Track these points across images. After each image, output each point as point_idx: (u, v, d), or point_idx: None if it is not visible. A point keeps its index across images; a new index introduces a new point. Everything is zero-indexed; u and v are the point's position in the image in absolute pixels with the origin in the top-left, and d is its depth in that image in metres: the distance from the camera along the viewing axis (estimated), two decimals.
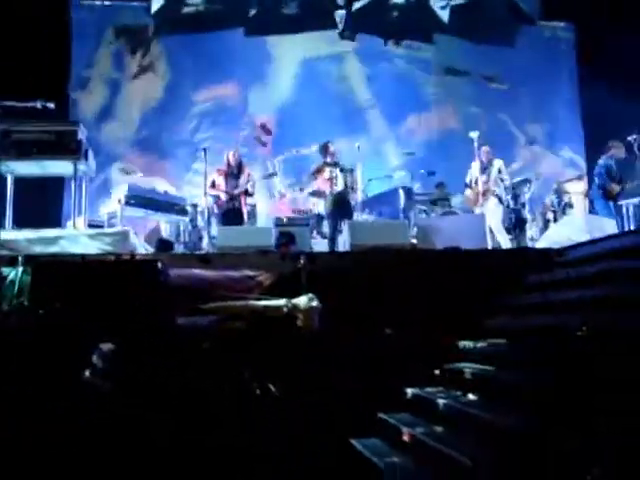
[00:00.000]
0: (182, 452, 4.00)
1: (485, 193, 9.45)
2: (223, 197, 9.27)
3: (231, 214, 9.23)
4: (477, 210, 9.45)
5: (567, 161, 13.30)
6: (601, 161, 9.54)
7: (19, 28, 10.57)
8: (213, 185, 9.38)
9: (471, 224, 7.87)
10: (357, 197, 9.56)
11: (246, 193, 9.51)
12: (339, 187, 9.33)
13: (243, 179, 9.46)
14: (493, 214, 9.28)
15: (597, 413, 3.46)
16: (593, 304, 4.77)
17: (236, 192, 9.33)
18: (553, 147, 13.37)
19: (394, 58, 13.32)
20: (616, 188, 9.19)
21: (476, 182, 9.61)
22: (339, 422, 5.29)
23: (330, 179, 9.40)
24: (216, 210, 9.35)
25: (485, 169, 9.69)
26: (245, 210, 9.46)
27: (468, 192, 9.87)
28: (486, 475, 3.58)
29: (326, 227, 9.44)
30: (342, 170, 9.46)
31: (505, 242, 9.20)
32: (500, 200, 9.68)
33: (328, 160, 9.61)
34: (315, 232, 9.45)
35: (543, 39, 13.46)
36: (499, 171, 9.73)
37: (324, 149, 9.78)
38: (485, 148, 9.73)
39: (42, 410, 3.17)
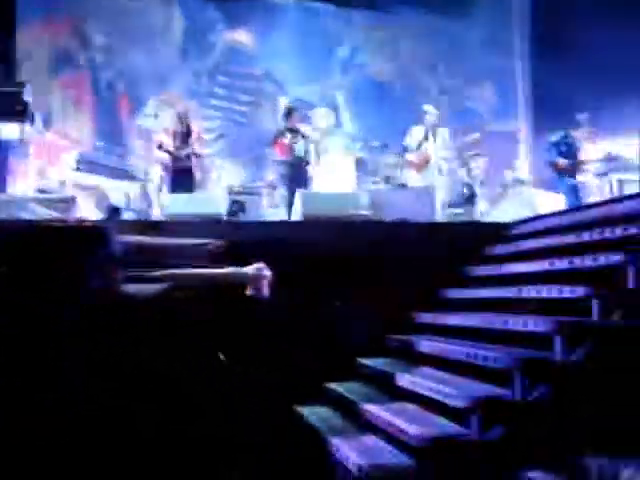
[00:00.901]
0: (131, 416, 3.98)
1: (428, 160, 9.40)
2: (167, 158, 8.85)
3: (181, 176, 8.81)
4: (419, 176, 9.44)
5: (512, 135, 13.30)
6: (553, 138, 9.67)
7: None
8: (160, 147, 8.99)
9: (421, 196, 7.92)
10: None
11: (196, 155, 9.05)
12: (298, 154, 9.17)
13: (193, 138, 9.03)
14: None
15: None
16: (538, 278, 4.88)
17: (184, 153, 8.89)
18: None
19: None
20: (563, 162, 9.35)
21: (419, 146, 9.44)
22: (287, 391, 5.32)
23: (290, 145, 9.28)
24: (163, 173, 8.99)
25: (428, 135, 9.49)
26: (196, 171, 9.04)
27: (411, 157, 9.58)
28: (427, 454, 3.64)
29: (278, 197, 9.38)
30: (304, 137, 9.31)
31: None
32: (440, 171, 9.62)
33: (290, 125, 9.38)
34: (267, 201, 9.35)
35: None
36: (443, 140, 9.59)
37: (288, 113, 9.55)
38: (430, 108, 9.58)
39: None
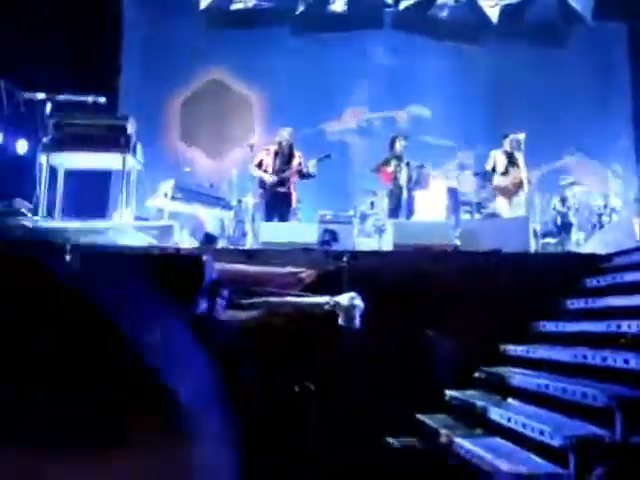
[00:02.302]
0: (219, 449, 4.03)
1: (521, 185, 9.24)
2: (269, 179, 8.90)
3: (278, 199, 8.90)
4: (509, 201, 9.29)
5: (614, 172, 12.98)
6: None
7: (72, 23, 10.74)
8: (260, 165, 9.02)
9: (515, 227, 7.78)
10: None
11: (301, 175, 9.04)
12: (402, 182, 9.21)
13: (295, 162, 9.02)
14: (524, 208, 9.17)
15: None
16: (636, 312, 4.71)
17: (285, 175, 8.94)
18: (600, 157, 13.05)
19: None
20: None
21: (506, 171, 9.28)
22: (377, 422, 5.30)
23: (394, 173, 9.31)
24: (259, 192, 9.03)
25: (512, 160, 9.33)
26: (294, 195, 9.08)
27: (500, 180, 9.38)
28: None
29: (370, 226, 9.43)
30: (408, 165, 9.33)
31: None
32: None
33: (395, 153, 9.44)
34: (358, 230, 9.41)
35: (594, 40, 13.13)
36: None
37: (393, 141, 9.61)
38: (511, 135, 9.43)
39: None
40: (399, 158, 9.36)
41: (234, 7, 12.27)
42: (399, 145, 9.42)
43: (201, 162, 12.66)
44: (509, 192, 9.27)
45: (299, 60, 12.51)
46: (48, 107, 7.53)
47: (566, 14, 12.70)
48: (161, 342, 3.09)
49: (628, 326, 4.58)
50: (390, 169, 9.32)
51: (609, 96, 12.87)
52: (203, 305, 3.57)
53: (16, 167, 9.25)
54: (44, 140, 7.37)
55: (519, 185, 9.23)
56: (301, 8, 12.45)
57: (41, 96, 7.58)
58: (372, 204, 9.97)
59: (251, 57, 12.38)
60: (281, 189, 8.92)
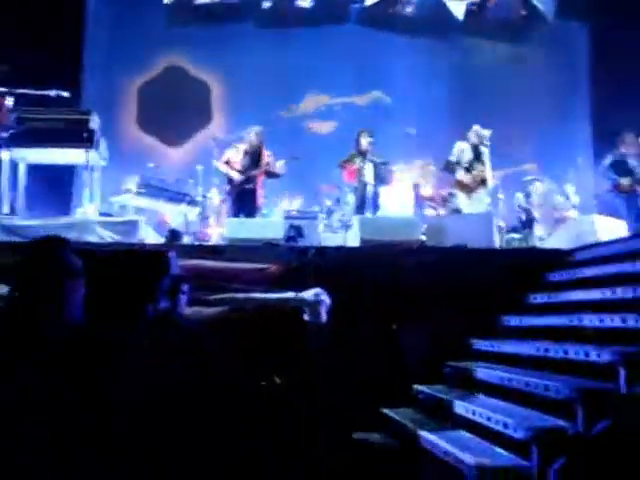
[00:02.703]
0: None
1: (483, 182, 9.20)
2: (236, 177, 8.98)
3: (244, 196, 8.95)
4: (468, 197, 9.34)
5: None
6: (607, 160, 9.43)
7: (35, 16, 10.58)
8: (228, 162, 9.08)
9: (479, 222, 7.86)
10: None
11: (268, 174, 9.10)
12: (367, 179, 9.20)
13: (263, 161, 9.08)
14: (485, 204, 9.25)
15: None
16: (601, 307, 4.79)
17: (253, 173, 9.00)
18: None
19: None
20: (626, 181, 9.08)
21: (471, 166, 9.26)
22: (343, 417, 5.31)
23: (358, 170, 9.31)
24: (226, 189, 9.08)
25: (477, 155, 9.30)
26: (260, 193, 9.12)
27: (463, 175, 9.32)
28: None
29: (336, 221, 9.44)
30: (373, 162, 9.31)
31: None
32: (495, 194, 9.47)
33: (360, 149, 9.41)
34: (324, 225, 9.41)
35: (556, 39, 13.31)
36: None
37: (357, 138, 9.55)
38: (476, 127, 9.40)
39: None
40: (364, 154, 9.35)
41: (199, 1, 12.18)
42: (364, 141, 9.38)
43: (163, 152, 12.59)
44: (469, 188, 9.27)
45: (262, 52, 12.50)
46: (10, 101, 7.41)
47: (529, 13, 12.87)
48: (125, 339, 3.05)
49: (589, 320, 4.66)
50: (355, 166, 9.31)
51: (569, 95, 13.09)
52: (165, 302, 3.53)
53: None
54: (4, 134, 7.25)
55: (481, 182, 9.24)
56: (267, 4, 12.40)
57: (2, 90, 7.45)
58: (338, 200, 9.97)
59: (214, 49, 12.41)
60: (248, 186, 8.93)
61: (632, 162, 9.08)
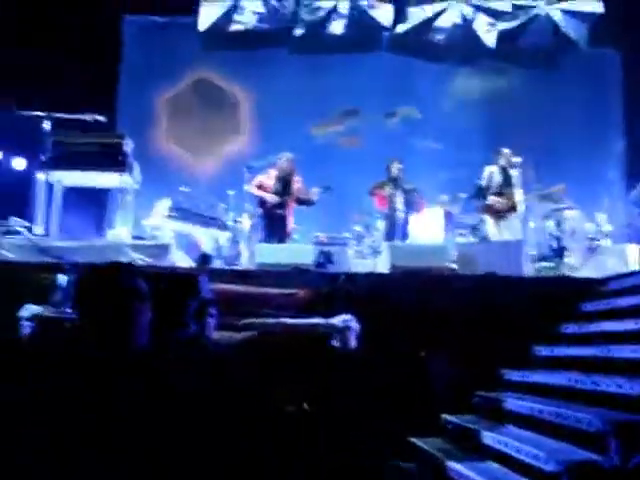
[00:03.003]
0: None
1: (514, 207, 9.20)
2: (271, 199, 9.02)
3: (275, 221, 9.01)
4: (497, 223, 9.32)
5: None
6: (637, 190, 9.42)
7: (73, 42, 10.81)
8: (260, 187, 9.13)
9: (510, 250, 7.80)
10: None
11: (299, 201, 9.18)
12: (398, 205, 9.25)
13: (295, 187, 9.16)
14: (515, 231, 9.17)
15: None
16: (634, 337, 4.72)
17: (286, 197, 9.05)
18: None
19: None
20: None
21: (501, 190, 9.28)
22: (372, 446, 5.27)
23: (389, 197, 9.34)
24: (258, 212, 9.12)
25: (507, 179, 9.30)
26: (291, 219, 9.19)
27: (495, 200, 9.31)
28: None
29: (366, 247, 9.43)
30: (403, 189, 9.37)
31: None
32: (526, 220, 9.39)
33: (391, 176, 9.51)
34: (354, 252, 9.40)
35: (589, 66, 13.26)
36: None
37: (388, 165, 9.67)
38: (506, 151, 9.41)
39: None
40: (395, 181, 9.40)
41: (233, 28, 12.33)
42: (395, 169, 9.46)
43: (195, 170, 12.72)
44: (500, 214, 9.25)
45: (295, 78, 12.64)
46: (47, 125, 7.58)
47: (560, 40, 12.82)
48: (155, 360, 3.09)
49: (621, 351, 4.59)
50: (385, 193, 9.37)
51: (602, 123, 12.98)
52: (193, 325, 3.57)
53: (13, 185, 9.28)
54: (42, 158, 7.40)
55: (512, 207, 9.21)
56: (300, 30, 12.52)
57: (40, 114, 7.62)
58: (367, 226, 9.98)
59: (247, 73, 12.69)
60: (279, 211, 8.98)
61: None
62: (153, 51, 12.55)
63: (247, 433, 4.50)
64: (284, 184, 9.12)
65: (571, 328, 5.83)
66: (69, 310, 4.28)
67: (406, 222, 9.35)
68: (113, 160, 7.39)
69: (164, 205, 8.50)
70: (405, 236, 9.25)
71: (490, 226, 9.37)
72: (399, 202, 9.21)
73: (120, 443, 2.19)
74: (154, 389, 2.29)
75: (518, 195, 9.19)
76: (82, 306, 2.35)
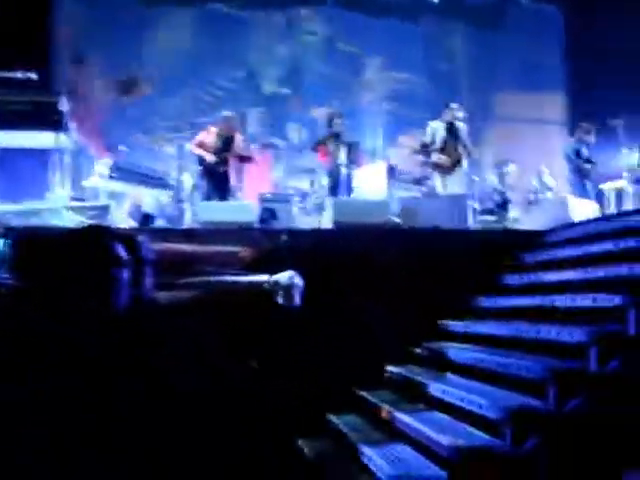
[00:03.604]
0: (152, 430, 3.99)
1: (459, 161, 9.18)
2: (209, 158, 8.87)
3: (217, 178, 8.90)
4: (444, 178, 9.35)
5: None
6: (569, 145, 9.72)
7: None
8: (200, 145, 9.01)
9: (454, 204, 7.86)
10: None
11: (240, 158, 9.09)
12: (340, 160, 9.14)
13: (236, 144, 9.06)
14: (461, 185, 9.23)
15: None
16: (572, 286, 4.82)
17: (226, 154, 8.92)
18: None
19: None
20: (587, 166, 9.40)
21: (445, 144, 9.21)
22: (318, 398, 5.32)
23: (332, 152, 9.26)
24: (198, 171, 9.00)
25: (453, 131, 9.26)
26: (233, 177, 9.06)
27: (439, 157, 9.22)
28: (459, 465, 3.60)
29: (310, 204, 9.38)
30: (346, 144, 9.25)
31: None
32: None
33: (332, 131, 9.37)
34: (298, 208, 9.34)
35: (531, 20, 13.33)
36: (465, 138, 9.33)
37: (331, 119, 9.53)
38: (454, 106, 9.38)
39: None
40: (337, 136, 9.32)
41: None
42: (337, 123, 9.37)
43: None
44: (445, 169, 9.27)
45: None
46: None
47: None
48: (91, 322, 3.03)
49: (562, 300, 4.69)
50: (327, 148, 9.29)
51: (544, 79, 13.13)
52: (135, 286, 3.49)
53: None
54: None
55: (457, 162, 9.23)
56: None
57: None
58: (312, 182, 9.92)
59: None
60: (220, 169, 8.87)
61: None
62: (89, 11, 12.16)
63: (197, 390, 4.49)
64: (225, 141, 8.99)
65: (513, 279, 5.93)
66: (4, 275, 4.16)
67: (349, 177, 9.28)
68: (48, 119, 7.13)
69: (105, 165, 8.29)
70: (350, 191, 9.20)
71: (437, 180, 9.39)
72: (342, 157, 9.13)
73: (118, 441, 2.16)
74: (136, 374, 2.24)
75: (463, 149, 9.19)
76: (28, 272, 2.26)
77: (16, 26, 10.40)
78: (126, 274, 2.29)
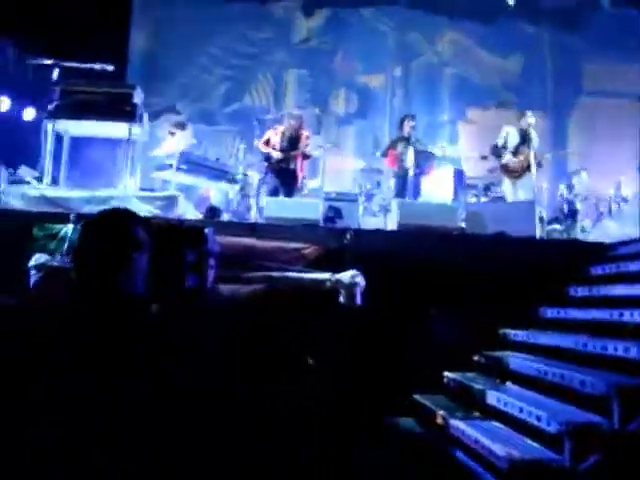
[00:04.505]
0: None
1: (529, 167, 9.01)
2: (276, 155, 8.94)
3: (283, 175, 8.95)
4: (513, 183, 9.24)
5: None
6: None
7: None
8: (267, 143, 9.09)
9: (521, 211, 7.72)
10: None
11: (304, 156, 9.11)
12: (408, 164, 9.13)
13: (302, 142, 9.07)
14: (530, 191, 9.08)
15: None
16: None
17: (292, 153, 8.97)
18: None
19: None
20: None
21: (517, 150, 9.14)
22: (375, 400, 5.29)
23: (400, 155, 9.26)
24: (265, 167, 9.06)
25: (525, 139, 9.15)
26: (300, 175, 9.11)
27: (509, 159, 9.19)
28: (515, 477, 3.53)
29: (375, 205, 9.37)
30: (415, 148, 9.24)
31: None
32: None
33: (403, 134, 9.43)
34: (363, 208, 9.33)
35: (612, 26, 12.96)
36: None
37: (400, 122, 9.63)
38: (528, 113, 9.28)
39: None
40: (407, 140, 9.31)
41: None
42: (407, 126, 9.36)
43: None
44: (515, 173, 9.16)
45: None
46: (55, 73, 7.49)
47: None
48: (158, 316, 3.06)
49: (630, 315, 4.55)
50: (397, 151, 9.29)
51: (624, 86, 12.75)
52: (193, 278, 3.52)
53: (23, 134, 9.22)
54: (50, 107, 7.32)
55: (527, 168, 9.10)
56: None
57: (49, 62, 7.54)
58: (378, 183, 9.90)
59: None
60: (287, 166, 8.93)
61: None
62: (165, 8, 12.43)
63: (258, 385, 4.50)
64: (291, 140, 9.05)
65: (580, 291, 5.79)
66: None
67: (417, 181, 9.25)
68: (122, 110, 7.31)
69: (174, 158, 8.41)
70: (417, 195, 9.16)
71: (506, 185, 9.29)
72: (410, 161, 9.10)
73: (127, 441, 2.18)
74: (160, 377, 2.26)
75: (533, 155, 9.04)
76: (76, 254, 2.31)
77: (95, 18, 10.65)
78: (145, 259, 2.31)
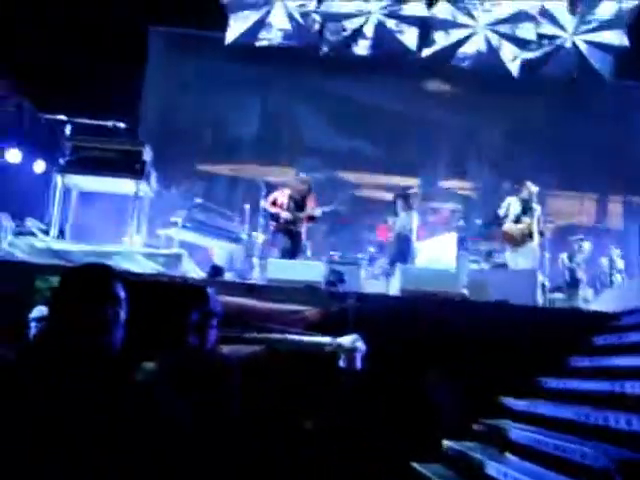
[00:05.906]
0: None
1: (531, 235, 9.14)
2: (285, 216, 9.07)
3: (288, 237, 9.07)
4: (514, 251, 9.30)
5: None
6: None
7: (97, 47, 10.91)
8: (274, 203, 9.23)
9: (523, 279, 7.74)
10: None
11: (310, 218, 9.25)
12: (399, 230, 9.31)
13: (309, 206, 9.23)
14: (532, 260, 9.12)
15: None
16: None
17: (300, 215, 9.12)
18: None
19: None
20: None
21: (518, 219, 9.27)
22: (371, 467, 5.21)
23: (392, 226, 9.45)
24: (271, 227, 9.18)
25: (527, 209, 9.30)
26: (304, 236, 9.23)
27: (510, 227, 9.33)
28: None
29: (377, 269, 9.41)
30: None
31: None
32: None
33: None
34: (366, 272, 9.37)
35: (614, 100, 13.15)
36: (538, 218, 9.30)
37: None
38: (529, 184, 9.40)
39: None
40: (406, 198, 9.53)
41: (259, 43, 12.39)
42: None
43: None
44: (515, 241, 9.22)
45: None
46: (68, 129, 7.63)
47: (585, 71, 12.74)
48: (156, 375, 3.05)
49: (631, 387, 4.51)
50: (388, 225, 9.51)
51: (623, 154, 12.89)
52: (194, 337, 3.52)
53: (32, 187, 9.35)
54: (61, 161, 7.45)
55: (528, 235, 9.16)
56: (325, 49, 12.56)
57: (62, 117, 7.69)
58: (380, 247, 9.98)
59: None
60: (293, 228, 9.01)
61: None
62: (179, 64, 12.68)
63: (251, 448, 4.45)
64: (297, 202, 9.15)
65: (580, 361, 5.76)
66: None
67: (410, 243, 9.37)
68: (131, 167, 7.42)
69: (180, 215, 8.49)
70: (412, 257, 9.23)
71: (508, 253, 9.35)
72: (400, 225, 9.30)
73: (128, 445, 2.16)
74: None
75: (536, 225, 9.12)
76: (58, 306, 2.32)
77: (109, 76, 10.88)
78: (123, 315, 2.31)
